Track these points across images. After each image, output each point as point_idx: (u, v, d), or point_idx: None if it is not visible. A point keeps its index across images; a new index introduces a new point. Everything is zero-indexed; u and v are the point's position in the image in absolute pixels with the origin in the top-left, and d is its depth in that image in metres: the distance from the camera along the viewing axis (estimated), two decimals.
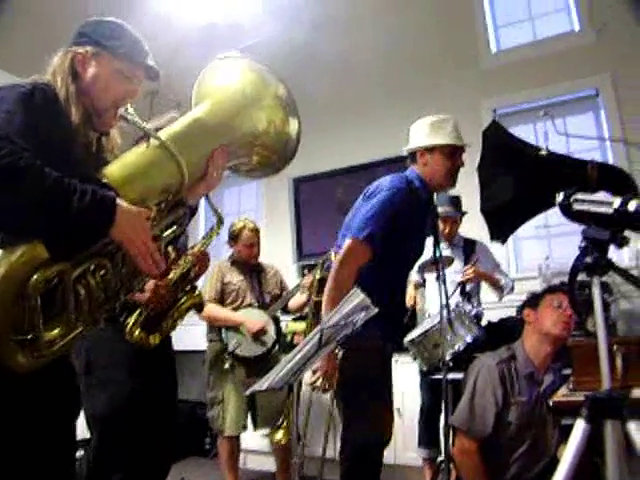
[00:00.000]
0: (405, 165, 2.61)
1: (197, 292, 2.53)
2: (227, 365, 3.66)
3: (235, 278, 3.87)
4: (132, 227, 1.39)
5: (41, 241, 1.27)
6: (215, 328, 3.82)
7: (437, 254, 2.72)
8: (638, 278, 1.69)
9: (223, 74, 1.81)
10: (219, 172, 1.69)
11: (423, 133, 2.54)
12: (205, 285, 3.85)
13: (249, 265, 3.96)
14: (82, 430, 2.15)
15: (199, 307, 2.55)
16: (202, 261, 2.48)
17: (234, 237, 3.92)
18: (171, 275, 2.37)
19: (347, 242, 2.37)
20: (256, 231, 3.95)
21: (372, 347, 2.31)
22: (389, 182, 2.46)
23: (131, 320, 2.31)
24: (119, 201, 1.37)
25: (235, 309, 3.79)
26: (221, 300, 3.81)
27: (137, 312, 2.33)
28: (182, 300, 2.45)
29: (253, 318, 3.76)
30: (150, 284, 2.27)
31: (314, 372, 2.28)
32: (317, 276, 2.60)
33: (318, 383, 2.27)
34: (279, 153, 1.82)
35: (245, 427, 3.73)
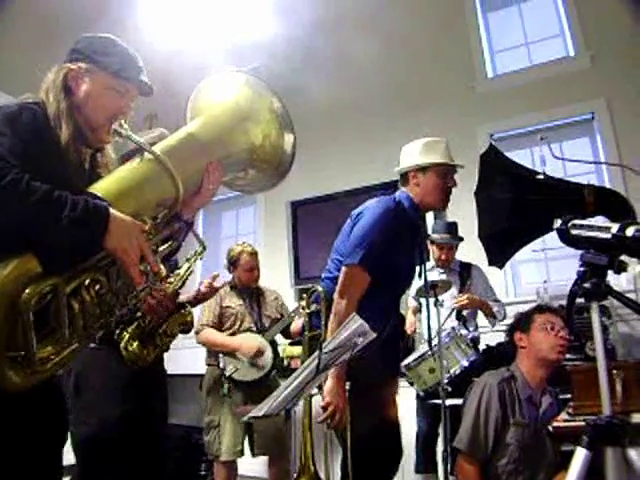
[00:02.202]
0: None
1: (188, 310, 2.55)
2: (225, 390, 3.63)
3: (234, 302, 3.85)
4: (127, 237, 1.37)
5: (33, 255, 1.25)
6: (213, 352, 3.80)
7: (425, 279, 2.71)
8: (637, 303, 1.69)
9: (218, 89, 1.82)
10: (214, 186, 1.67)
11: (415, 153, 2.52)
12: (203, 310, 3.82)
13: (249, 289, 3.94)
14: (68, 456, 2.08)
15: (188, 326, 2.56)
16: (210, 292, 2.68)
17: (233, 262, 3.90)
18: (167, 287, 2.41)
19: (343, 270, 2.34)
20: (255, 254, 3.93)
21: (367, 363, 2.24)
22: (376, 203, 2.45)
23: (127, 334, 2.30)
24: (112, 211, 1.35)
25: (233, 333, 3.76)
26: (219, 324, 3.78)
27: (134, 325, 2.32)
28: (174, 317, 2.47)
29: (249, 341, 3.72)
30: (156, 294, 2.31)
31: (324, 408, 2.21)
32: (307, 310, 2.56)
33: (331, 420, 2.21)
34: (275, 167, 1.82)
35: (242, 452, 3.68)
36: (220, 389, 3.67)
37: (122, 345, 2.29)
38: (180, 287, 2.51)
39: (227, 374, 3.65)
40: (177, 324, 2.50)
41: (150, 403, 2.45)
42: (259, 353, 3.68)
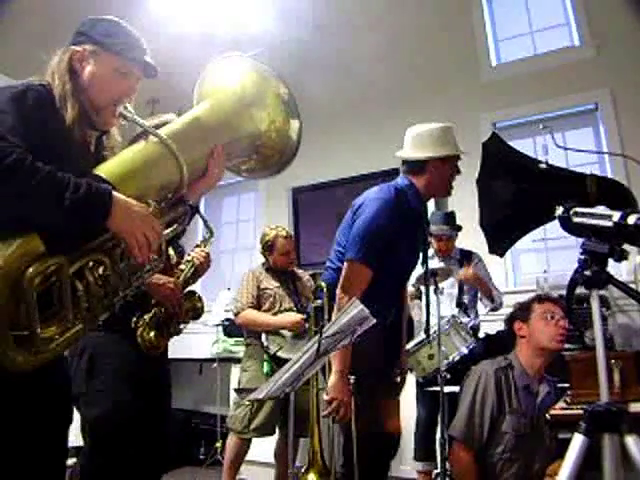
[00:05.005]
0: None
1: (197, 296, 2.56)
2: (267, 368, 3.63)
3: (271, 284, 3.84)
4: (130, 218, 1.38)
5: (37, 234, 1.26)
6: (253, 332, 3.81)
7: (426, 266, 2.71)
8: (637, 291, 1.69)
9: (224, 74, 1.82)
10: (219, 170, 1.68)
11: (432, 142, 2.47)
12: (240, 292, 3.84)
13: (285, 272, 3.93)
14: (74, 438, 2.09)
15: (198, 311, 2.57)
16: (205, 261, 2.59)
17: (268, 247, 3.88)
18: (179, 278, 2.45)
19: (345, 266, 2.35)
20: (289, 237, 3.91)
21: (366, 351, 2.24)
22: (376, 195, 2.43)
23: (143, 322, 2.33)
24: (115, 193, 1.36)
25: (274, 315, 3.76)
26: (258, 306, 3.78)
27: (150, 314, 2.34)
28: (184, 304, 2.49)
29: (291, 316, 3.71)
30: (167, 284, 2.34)
31: (329, 402, 2.23)
32: (313, 304, 2.57)
33: (338, 413, 2.23)
34: (280, 152, 1.82)
35: (273, 431, 3.69)
36: (260, 367, 3.67)
37: (139, 333, 2.32)
38: (191, 275, 2.54)
39: (272, 352, 3.63)
40: (188, 311, 2.52)
41: (157, 389, 2.48)
42: (303, 325, 3.64)
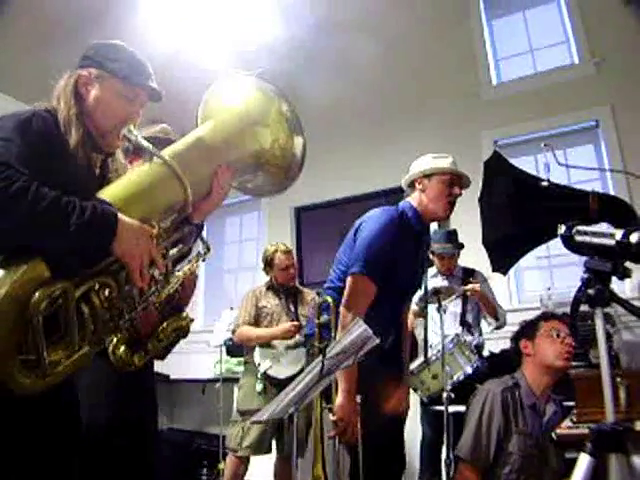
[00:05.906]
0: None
1: (184, 314, 2.52)
2: (259, 388, 3.64)
3: (270, 302, 3.86)
4: (135, 242, 1.38)
5: (42, 260, 1.27)
6: (249, 350, 3.83)
7: (425, 288, 2.71)
8: None
9: (227, 93, 1.83)
10: (224, 190, 1.69)
11: (423, 164, 2.54)
12: (239, 310, 3.88)
13: (286, 288, 3.94)
14: None
15: (184, 330, 2.53)
16: (190, 282, 2.48)
17: (268, 263, 3.92)
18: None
19: (348, 281, 2.33)
20: (289, 253, 3.94)
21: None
22: (378, 214, 2.45)
23: (115, 337, 2.28)
24: (121, 216, 1.37)
25: None
26: (256, 324, 3.80)
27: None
28: (169, 321, 2.44)
29: (282, 325, 3.73)
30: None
31: (336, 423, 2.21)
32: (317, 321, 2.56)
33: (345, 434, 2.20)
34: (285, 170, 1.82)
35: (269, 450, 3.68)
36: (253, 385, 3.68)
37: (110, 350, 2.26)
38: (177, 290, 2.48)
39: (262, 370, 3.65)
40: (172, 329, 2.47)
41: (138, 408, 2.42)
42: (294, 333, 3.66)
